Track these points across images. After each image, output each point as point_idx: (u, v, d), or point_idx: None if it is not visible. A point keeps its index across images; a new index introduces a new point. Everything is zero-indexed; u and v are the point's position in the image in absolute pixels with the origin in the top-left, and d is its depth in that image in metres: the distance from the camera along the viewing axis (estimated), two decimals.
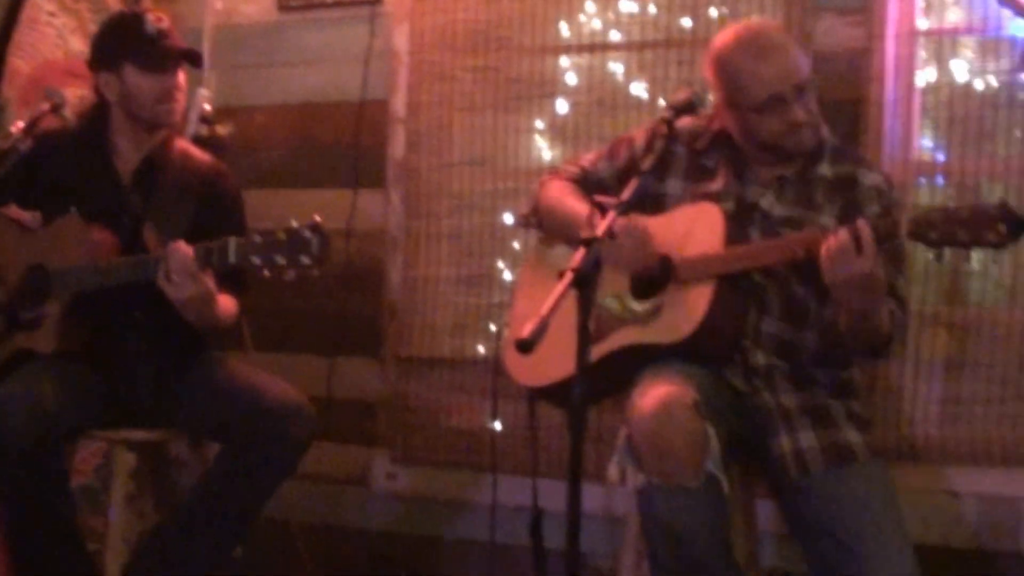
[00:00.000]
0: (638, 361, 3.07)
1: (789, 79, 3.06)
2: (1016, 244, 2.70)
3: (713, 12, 4.09)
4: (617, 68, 4.27)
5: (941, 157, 3.84)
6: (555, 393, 3.25)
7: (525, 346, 2.41)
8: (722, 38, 3.18)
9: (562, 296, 2.50)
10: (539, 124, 4.38)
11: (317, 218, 3.16)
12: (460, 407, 4.41)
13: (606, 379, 3.13)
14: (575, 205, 3.28)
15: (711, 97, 3.24)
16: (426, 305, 4.50)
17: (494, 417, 4.07)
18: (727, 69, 3.13)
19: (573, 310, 3.19)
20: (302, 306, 4.63)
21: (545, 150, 4.38)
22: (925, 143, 3.87)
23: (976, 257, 3.72)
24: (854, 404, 3.16)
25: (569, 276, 2.52)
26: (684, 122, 3.22)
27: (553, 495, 3.56)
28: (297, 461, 3.47)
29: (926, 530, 3.74)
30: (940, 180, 3.83)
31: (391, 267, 4.57)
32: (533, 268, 3.52)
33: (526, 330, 2.42)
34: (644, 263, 3.14)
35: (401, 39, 4.55)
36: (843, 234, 2.81)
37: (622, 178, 3.26)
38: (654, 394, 2.89)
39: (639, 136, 3.37)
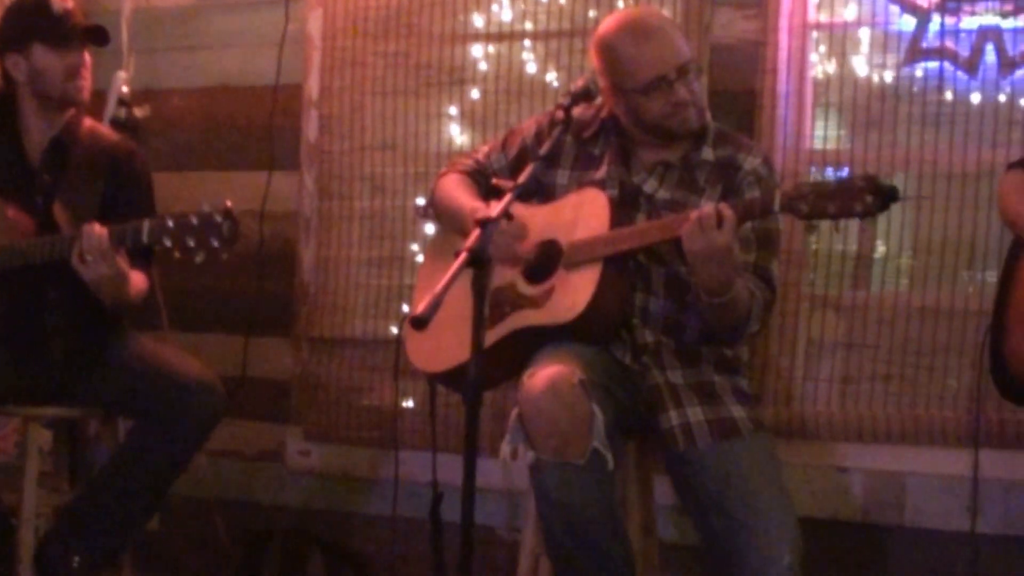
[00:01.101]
0: (533, 343, 3.17)
1: (672, 60, 3.17)
2: (883, 212, 2.80)
3: (620, 3, 4.18)
4: (529, 57, 4.35)
5: (834, 147, 3.98)
6: (454, 378, 3.35)
7: (418, 322, 2.50)
8: (605, 25, 3.29)
9: (456, 274, 2.59)
10: (452, 110, 4.46)
11: (228, 203, 3.23)
12: (371, 386, 4.50)
13: (504, 362, 3.23)
14: (463, 199, 3.37)
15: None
16: (338, 286, 4.58)
17: (397, 396, 4.16)
18: (611, 54, 3.23)
19: (469, 298, 3.32)
20: (218, 287, 4.69)
21: (458, 135, 4.46)
22: (818, 134, 3.99)
23: (879, 243, 3.87)
24: (740, 380, 3.28)
25: (463, 256, 2.61)
26: (574, 111, 3.33)
27: (458, 471, 3.69)
28: (207, 436, 3.56)
29: (815, 504, 3.89)
30: (830, 171, 3.95)
31: (304, 248, 4.64)
32: (434, 252, 3.62)
33: (420, 307, 2.51)
34: (517, 256, 3.25)
35: (315, 24, 4.61)
36: (708, 209, 2.93)
37: (514, 169, 3.39)
38: (542, 374, 2.99)
39: (529, 126, 3.48)
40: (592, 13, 4.20)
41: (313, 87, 4.63)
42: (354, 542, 4.48)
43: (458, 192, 3.43)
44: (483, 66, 4.42)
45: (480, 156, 3.54)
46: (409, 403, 4.37)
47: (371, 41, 4.53)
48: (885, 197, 2.75)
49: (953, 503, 3.75)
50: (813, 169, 3.95)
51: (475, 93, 4.41)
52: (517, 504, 4.04)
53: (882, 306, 3.88)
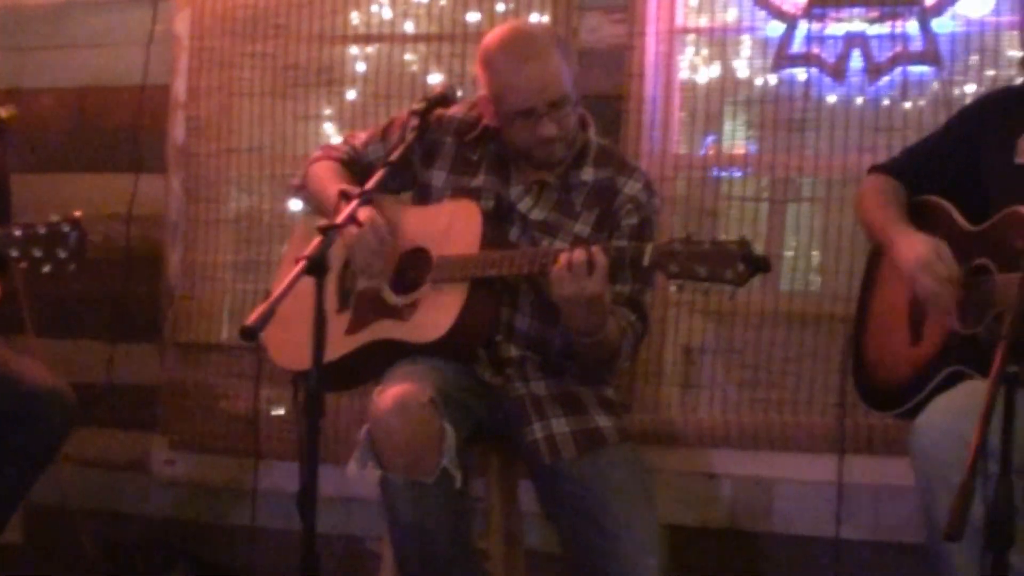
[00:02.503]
0: (393, 354, 3.12)
1: (544, 93, 3.06)
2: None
3: (500, 7, 4.15)
4: (411, 59, 4.31)
5: (699, 154, 3.98)
6: (320, 376, 3.27)
7: (247, 333, 2.44)
8: (492, 35, 3.19)
9: (292, 283, 2.53)
10: (327, 112, 4.40)
11: (78, 213, 3.16)
12: (238, 393, 4.42)
13: (362, 367, 3.19)
14: (333, 190, 3.24)
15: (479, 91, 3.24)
16: (205, 291, 4.50)
17: (257, 403, 4.10)
18: (490, 69, 3.14)
19: (331, 294, 3.26)
20: (83, 291, 4.56)
21: (334, 137, 4.39)
22: (684, 139, 3.99)
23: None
24: (606, 390, 3.25)
25: (301, 264, 2.54)
26: (455, 111, 3.27)
27: (327, 480, 3.62)
28: (57, 446, 3.47)
29: (685, 511, 3.89)
30: (698, 176, 3.96)
31: (171, 252, 4.55)
32: (302, 234, 3.47)
33: (252, 316, 2.45)
34: (378, 266, 3.19)
35: (182, 24, 4.52)
36: (579, 254, 2.85)
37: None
38: (391, 392, 2.94)
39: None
40: (473, 16, 4.16)
41: (180, 88, 4.54)
42: (218, 553, 4.40)
43: (330, 182, 3.29)
44: (360, 67, 4.36)
45: (358, 143, 3.42)
46: (280, 411, 4.30)
47: (240, 41, 4.45)
48: (756, 266, 2.70)
49: (821, 509, 3.76)
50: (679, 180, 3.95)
51: (351, 94, 4.35)
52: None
53: (749, 312, 3.88)
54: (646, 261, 2.80)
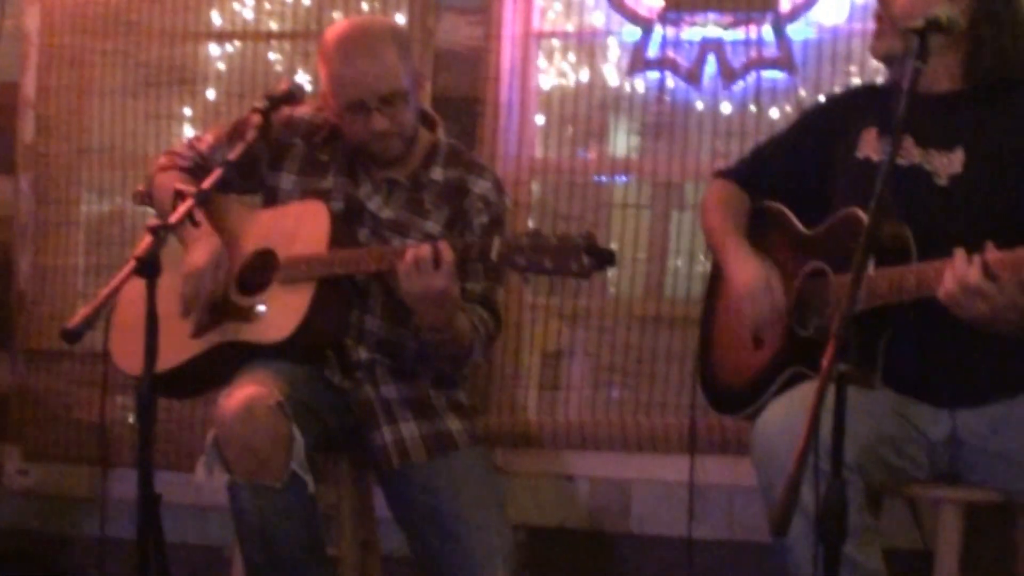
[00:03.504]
0: (241, 357, 3.08)
1: (374, 87, 3.06)
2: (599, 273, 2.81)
3: (364, 5, 4.13)
4: (276, 58, 4.27)
5: (556, 156, 3.98)
6: (166, 383, 3.20)
7: (67, 336, 2.39)
8: (329, 31, 3.18)
9: (119, 285, 2.48)
10: (187, 111, 4.34)
11: None
12: (91, 401, 4.31)
13: (210, 372, 3.14)
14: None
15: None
16: (56, 295, 4.40)
17: (103, 410, 4.00)
18: (325, 63, 3.13)
19: (174, 300, 3.20)
20: None
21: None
22: (539, 143, 4.00)
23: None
24: (458, 393, 3.24)
25: (130, 264, 2.50)
26: (303, 113, 3.24)
27: (176, 488, 3.55)
28: None
29: (543, 513, 3.91)
30: (553, 180, 3.97)
31: (21, 256, 4.44)
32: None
33: (74, 319, 2.40)
34: (239, 263, 3.16)
35: (32, 20, 4.43)
36: (425, 249, 2.86)
37: (240, 165, 3.22)
38: (238, 395, 2.90)
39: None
40: (338, 15, 4.13)
41: (30, 86, 4.44)
42: (69, 564, 4.31)
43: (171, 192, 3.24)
44: (221, 65, 4.31)
45: (203, 147, 3.35)
46: (131, 418, 4.22)
47: (91, 39, 4.37)
48: (601, 259, 2.74)
49: (676, 509, 3.77)
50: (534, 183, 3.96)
51: (211, 93, 4.30)
52: None
53: (603, 314, 3.91)
54: (494, 255, 2.81)
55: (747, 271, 2.96)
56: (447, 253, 2.84)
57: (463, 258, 2.87)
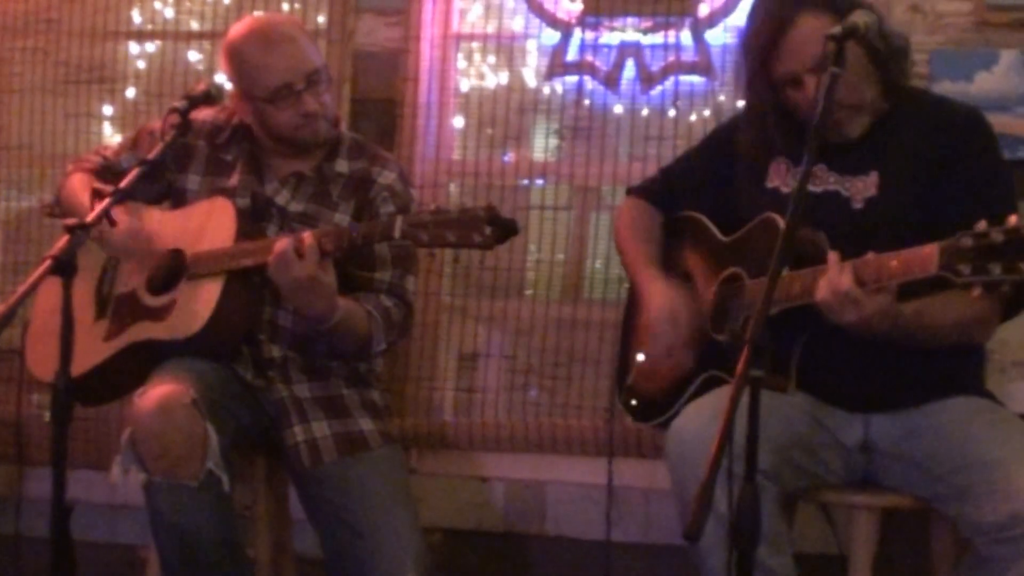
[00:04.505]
0: (154, 356, 3.06)
1: (299, 68, 3.10)
2: (503, 245, 2.80)
3: (285, 6, 4.12)
4: (196, 57, 4.26)
5: (473, 158, 4.00)
6: (77, 389, 3.16)
7: None
8: (235, 30, 3.20)
9: (35, 283, 2.47)
10: (107, 110, 4.31)
11: None
12: (5, 399, 4.27)
13: (125, 373, 3.12)
14: (86, 203, 3.18)
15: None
16: None
17: (20, 407, 3.96)
18: (239, 60, 3.15)
19: (90, 305, 3.19)
20: None
21: (114, 136, 4.31)
22: (457, 145, 4.01)
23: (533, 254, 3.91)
24: (372, 393, 3.25)
25: (46, 263, 2.48)
26: (205, 115, 3.25)
27: (94, 487, 3.54)
28: None
29: (458, 514, 3.91)
30: (471, 182, 3.98)
31: None
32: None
33: None
34: (149, 265, 3.16)
35: None
36: (285, 241, 2.88)
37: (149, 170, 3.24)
38: (153, 394, 2.90)
39: (159, 126, 3.34)
40: (258, 14, 4.08)
41: None
42: None
43: (83, 196, 3.24)
44: (141, 64, 4.29)
45: (109, 154, 3.39)
46: (47, 415, 4.16)
47: (10, 36, 4.35)
48: (504, 229, 2.74)
49: (592, 512, 3.81)
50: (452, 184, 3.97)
51: (130, 92, 4.29)
52: None
53: (520, 316, 3.93)
54: (396, 232, 2.81)
55: (655, 301, 2.97)
56: (310, 240, 2.86)
57: (367, 239, 2.88)
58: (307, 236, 2.87)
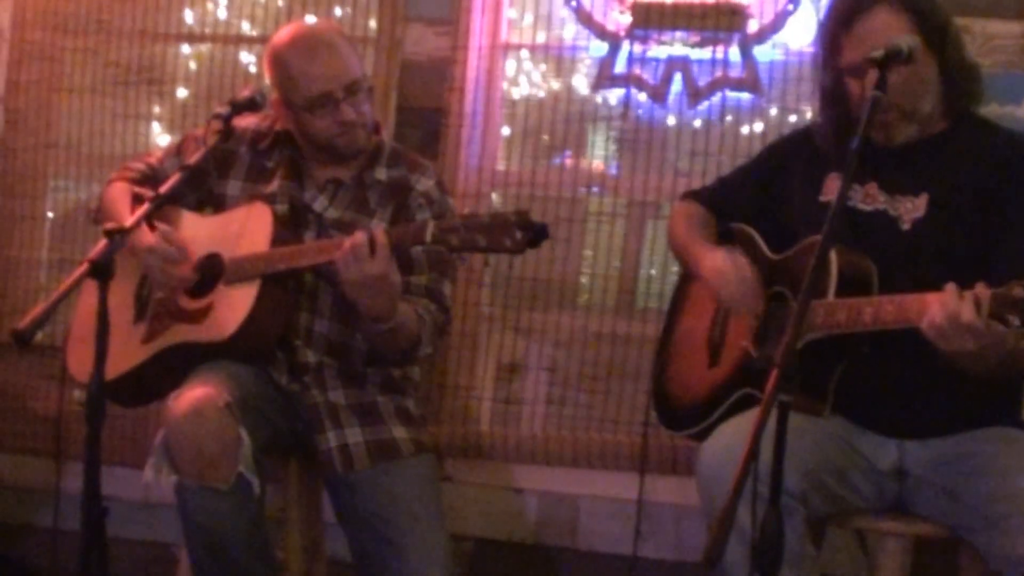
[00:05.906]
0: (190, 359, 3.09)
1: (340, 78, 3.12)
2: (534, 249, 2.80)
3: (337, 10, 4.14)
4: (248, 59, 4.28)
5: (517, 169, 4.00)
6: (115, 390, 3.18)
7: (18, 337, 2.39)
8: (279, 36, 3.22)
9: (72, 286, 2.49)
10: (157, 111, 4.34)
11: None
12: (48, 394, 4.32)
13: (163, 375, 3.13)
14: (125, 211, 3.23)
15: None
16: (19, 288, 4.41)
17: (62, 403, 4.02)
18: (280, 67, 3.17)
19: (128, 307, 3.22)
20: None
21: (161, 136, 4.34)
22: (501, 155, 4.02)
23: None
24: (407, 401, 3.26)
25: (83, 266, 2.50)
26: (248, 122, 3.27)
27: (127, 484, 3.57)
28: None
29: (490, 525, 3.91)
30: (514, 192, 3.98)
31: None
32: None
33: (25, 320, 2.40)
34: (176, 277, 3.18)
35: (3, 16, 4.43)
36: (359, 236, 2.87)
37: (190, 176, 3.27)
38: (188, 396, 2.92)
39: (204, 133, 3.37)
40: (311, 18, 4.14)
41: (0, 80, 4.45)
42: (23, 554, 4.30)
43: (122, 204, 3.29)
44: (192, 66, 4.32)
45: (153, 161, 3.42)
46: None
47: (62, 36, 4.39)
48: (535, 234, 2.74)
49: (623, 527, 3.80)
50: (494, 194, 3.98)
51: (182, 93, 4.31)
52: None
53: (559, 329, 3.92)
54: (428, 236, 2.82)
55: (715, 256, 2.97)
56: (382, 238, 2.86)
57: (400, 244, 2.89)
58: (380, 234, 2.87)
